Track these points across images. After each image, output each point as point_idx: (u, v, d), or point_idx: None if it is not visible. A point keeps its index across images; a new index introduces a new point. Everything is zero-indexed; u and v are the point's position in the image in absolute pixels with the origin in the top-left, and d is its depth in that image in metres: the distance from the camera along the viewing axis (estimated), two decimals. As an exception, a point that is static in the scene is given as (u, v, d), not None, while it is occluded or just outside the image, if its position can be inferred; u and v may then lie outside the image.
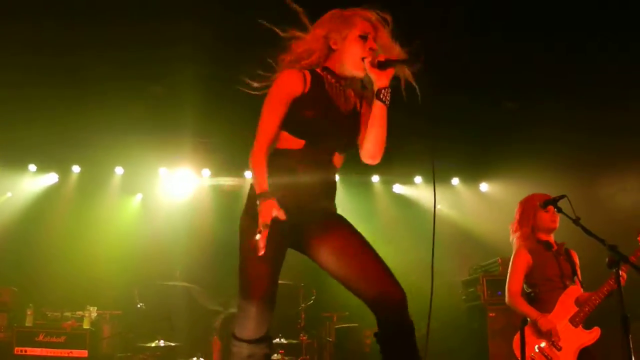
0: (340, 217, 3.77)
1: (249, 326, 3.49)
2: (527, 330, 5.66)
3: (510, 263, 5.94)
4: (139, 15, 7.35)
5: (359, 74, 3.66)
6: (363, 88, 3.81)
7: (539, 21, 7.50)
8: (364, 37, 3.67)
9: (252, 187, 3.64)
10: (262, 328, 3.50)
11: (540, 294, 5.76)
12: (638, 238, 5.49)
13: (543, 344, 5.56)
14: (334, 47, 3.71)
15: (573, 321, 5.55)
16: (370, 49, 3.63)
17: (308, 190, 3.62)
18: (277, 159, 3.63)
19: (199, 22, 7.35)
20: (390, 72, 3.59)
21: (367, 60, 3.60)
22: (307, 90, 3.63)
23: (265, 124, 3.66)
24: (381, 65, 3.56)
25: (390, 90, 3.59)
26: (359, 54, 3.64)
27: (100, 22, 7.48)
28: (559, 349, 5.50)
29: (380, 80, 3.58)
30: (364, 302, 3.59)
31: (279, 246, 3.57)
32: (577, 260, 5.87)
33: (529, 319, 5.69)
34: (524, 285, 5.85)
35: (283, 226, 3.44)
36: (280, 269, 3.66)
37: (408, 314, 3.51)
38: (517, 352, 5.62)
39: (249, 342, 3.49)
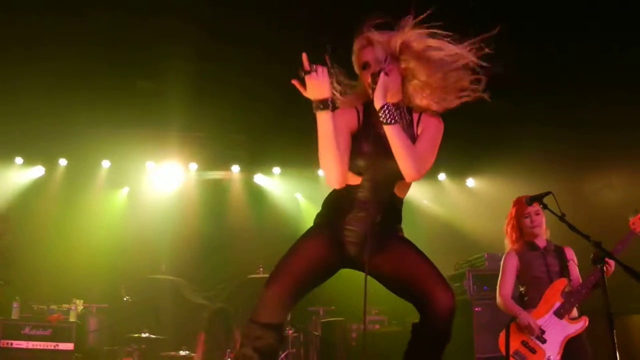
0: (401, 237, 3.83)
1: (260, 311, 3.56)
2: (513, 327, 5.72)
3: (501, 266, 6.04)
4: (127, 11, 7.34)
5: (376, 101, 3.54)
6: (408, 111, 3.76)
7: (526, 20, 7.53)
8: (364, 67, 3.67)
9: (327, 202, 3.84)
10: (273, 317, 3.55)
11: (528, 291, 5.87)
12: (630, 222, 5.56)
13: (527, 339, 5.63)
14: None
15: (558, 313, 5.60)
16: (372, 74, 3.56)
17: (367, 222, 3.68)
18: (340, 192, 3.74)
19: (186, 18, 7.36)
20: (381, 91, 3.49)
21: (368, 87, 3.56)
22: (361, 124, 3.71)
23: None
24: (375, 83, 3.50)
25: (389, 107, 3.48)
26: (367, 84, 3.61)
27: (88, 17, 7.46)
28: (544, 342, 5.57)
29: (376, 102, 3.49)
30: (415, 306, 3.63)
31: (323, 263, 3.70)
32: (570, 257, 5.91)
33: None
34: (518, 285, 5.95)
35: (341, 243, 3.70)
36: (320, 282, 3.78)
37: (450, 323, 3.55)
38: (502, 348, 5.67)
39: (259, 324, 3.55)
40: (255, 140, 10.98)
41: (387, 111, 3.47)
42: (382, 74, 3.51)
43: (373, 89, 3.48)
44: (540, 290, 5.74)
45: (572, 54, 7.97)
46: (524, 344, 5.62)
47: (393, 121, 3.48)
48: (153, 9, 7.29)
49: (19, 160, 11.16)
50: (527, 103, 9.10)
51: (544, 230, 5.96)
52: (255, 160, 11.73)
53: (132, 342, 8.62)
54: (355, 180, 3.70)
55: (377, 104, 3.48)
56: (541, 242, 5.93)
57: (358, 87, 3.75)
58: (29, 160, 11.26)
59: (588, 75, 8.17)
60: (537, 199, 4.98)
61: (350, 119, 3.70)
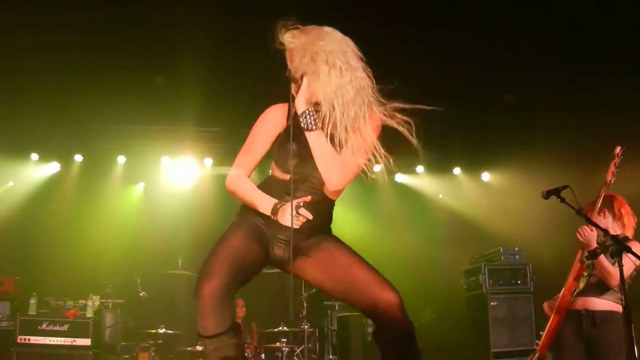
0: (327, 236, 3.78)
1: (203, 323, 3.39)
2: None
3: None
4: (142, 4, 7.34)
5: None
6: None
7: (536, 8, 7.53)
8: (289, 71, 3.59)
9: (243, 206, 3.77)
10: (217, 325, 3.38)
11: None
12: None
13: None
14: None
15: (569, 293, 5.63)
16: (292, 78, 3.53)
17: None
18: (268, 185, 3.72)
19: (202, 11, 7.35)
20: (303, 95, 3.46)
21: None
22: (288, 124, 3.61)
23: (244, 153, 3.76)
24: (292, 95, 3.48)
25: (310, 112, 3.44)
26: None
27: (102, 10, 7.47)
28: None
29: (297, 107, 3.48)
30: (360, 311, 3.63)
31: (252, 257, 3.62)
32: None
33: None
34: None
35: (264, 240, 3.63)
36: (250, 278, 3.66)
37: (405, 316, 3.49)
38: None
39: (209, 338, 3.40)
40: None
41: (307, 117, 3.44)
42: (304, 79, 3.45)
43: (294, 96, 3.47)
44: None
45: (589, 45, 7.92)
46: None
47: (313, 127, 3.44)
48: (169, 3, 7.30)
49: (34, 156, 11.18)
50: (541, 96, 9.07)
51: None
52: (270, 154, 11.71)
53: (149, 337, 8.66)
54: (284, 176, 3.63)
55: (298, 110, 3.46)
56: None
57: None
58: (45, 157, 11.28)
59: (605, 66, 8.12)
60: (555, 192, 4.95)
61: (276, 121, 3.68)
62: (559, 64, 8.35)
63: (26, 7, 7.41)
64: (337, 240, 3.77)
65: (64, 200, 11.21)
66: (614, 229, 5.69)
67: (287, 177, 3.59)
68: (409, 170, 12.26)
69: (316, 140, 3.45)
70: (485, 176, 12.27)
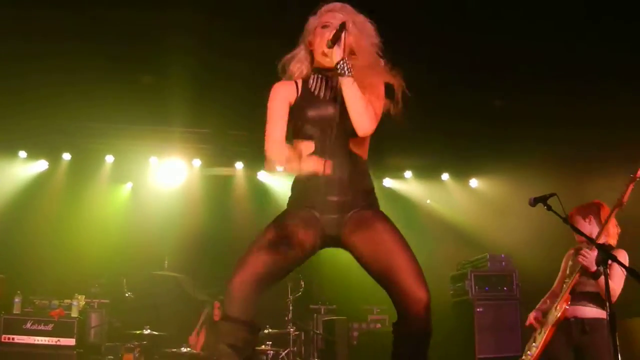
0: (377, 212, 3.81)
1: (228, 306, 3.55)
2: None
3: None
4: (131, 4, 7.33)
5: (328, 61, 3.72)
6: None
7: (525, 19, 7.54)
8: (325, 27, 3.78)
9: (293, 184, 3.89)
10: (240, 312, 3.54)
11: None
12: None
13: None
14: (310, 47, 3.89)
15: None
16: (340, 25, 3.65)
17: (330, 187, 3.67)
18: (301, 174, 3.79)
19: (191, 11, 7.34)
20: (342, 45, 3.61)
21: (324, 45, 3.69)
22: (300, 94, 3.85)
23: (270, 128, 3.91)
24: (333, 42, 3.59)
25: (346, 61, 3.60)
26: (322, 43, 3.72)
27: (91, 10, 7.46)
28: (540, 333, 5.66)
29: (335, 56, 3.61)
30: (390, 297, 3.64)
31: (293, 243, 3.65)
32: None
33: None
34: None
35: (315, 225, 3.66)
36: (290, 266, 3.74)
37: (428, 318, 3.53)
38: None
39: (229, 320, 3.54)
40: (259, 137, 10.95)
41: (344, 64, 3.59)
42: (345, 31, 3.61)
43: (334, 42, 3.59)
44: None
45: (578, 54, 7.95)
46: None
47: (349, 73, 3.59)
48: (157, 3, 7.29)
49: (22, 154, 11.13)
50: (530, 103, 9.09)
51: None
52: (259, 157, 11.69)
53: (134, 338, 8.63)
54: (308, 147, 3.74)
55: (336, 57, 3.61)
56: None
57: (298, 68, 3.94)
58: (33, 154, 11.24)
59: (594, 74, 8.14)
60: (541, 200, 4.96)
61: (286, 91, 3.88)
62: (549, 71, 8.36)
63: (17, 10, 7.39)
64: (387, 220, 3.79)
65: (51, 198, 11.17)
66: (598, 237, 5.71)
67: (310, 143, 3.74)
68: (397, 175, 12.29)
69: (352, 86, 3.59)
70: (474, 182, 12.30)
